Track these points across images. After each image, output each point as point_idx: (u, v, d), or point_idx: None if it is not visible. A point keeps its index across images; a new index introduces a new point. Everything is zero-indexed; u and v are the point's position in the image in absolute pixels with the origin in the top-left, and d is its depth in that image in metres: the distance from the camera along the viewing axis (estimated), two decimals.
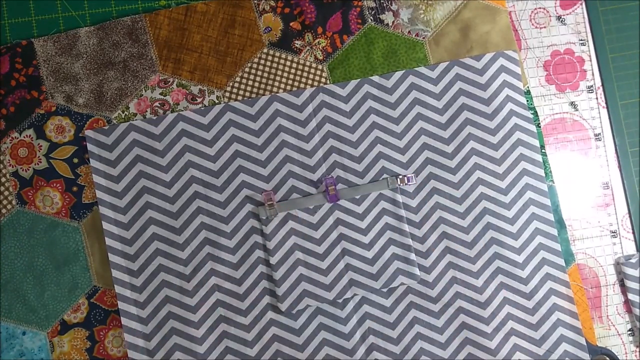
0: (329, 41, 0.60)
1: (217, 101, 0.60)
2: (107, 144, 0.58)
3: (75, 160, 0.59)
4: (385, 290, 0.58)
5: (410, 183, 0.58)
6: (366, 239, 0.58)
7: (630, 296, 0.59)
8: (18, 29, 0.60)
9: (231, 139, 0.59)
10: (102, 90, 0.59)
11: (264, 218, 0.58)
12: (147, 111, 0.59)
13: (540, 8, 0.62)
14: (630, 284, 0.59)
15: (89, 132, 0.58)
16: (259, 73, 0.60)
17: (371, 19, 0.61)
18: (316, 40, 0.61)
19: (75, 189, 0.58)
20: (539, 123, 0.60)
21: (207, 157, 0.58)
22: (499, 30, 0.61)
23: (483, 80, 0.59)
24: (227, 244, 0.58)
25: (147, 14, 0.60)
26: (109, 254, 0.57)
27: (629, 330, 0.60)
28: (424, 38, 0.61)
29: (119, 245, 0.57)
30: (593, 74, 0.62)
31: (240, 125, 0.59)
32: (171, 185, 0.58)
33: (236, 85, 0.60)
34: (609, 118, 0.61)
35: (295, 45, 0.60)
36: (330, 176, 0.59)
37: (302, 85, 0.60)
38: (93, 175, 0.58)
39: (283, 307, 0.57)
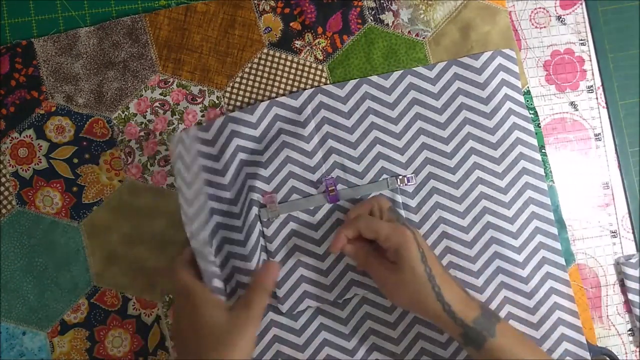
0: (329, 41, 0.60)
1: (217, 101, 0.60)
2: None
3: (75, 161, 0.59)
4: None
5: (409, 183, 0.58)
6: None
7: (630, 296, 0.59)
8: (18, 29, 0.60)
9: (236, 149, 0.57)
10: (102, 91, 0.59)
11: (266, 220, 0.58)
12: (147, 111, 0.59)
13: (540, 8, 0.62)
14: (630, 284, 0.59)
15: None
16: (259, 73, 0.60)
17: (371, 19, 0.61)
18: (316, 41, 0.61)
19: (75, 189, 0.58)
20: (539, 123, 0.60)
21: (215, 172, 0.57)
22: (499, 30, 0.61)
23: (481, 79, 0.59)
24: None
25: (147, 14, 0.60)
26: None
27: (629, 330, 0.59)
28: (424, 38, 0.61)
29: None
30: (593, 74, 0.62)
31: (242, 135, 0.57)
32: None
33: (236, 85, 0.60)
34: (609, 118, 0.61)
35: (295, 45, 0.60)
36: (330, 177, 0.58)
37: (302, 86, 0.60)
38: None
39: (284, 308, 0.57)
